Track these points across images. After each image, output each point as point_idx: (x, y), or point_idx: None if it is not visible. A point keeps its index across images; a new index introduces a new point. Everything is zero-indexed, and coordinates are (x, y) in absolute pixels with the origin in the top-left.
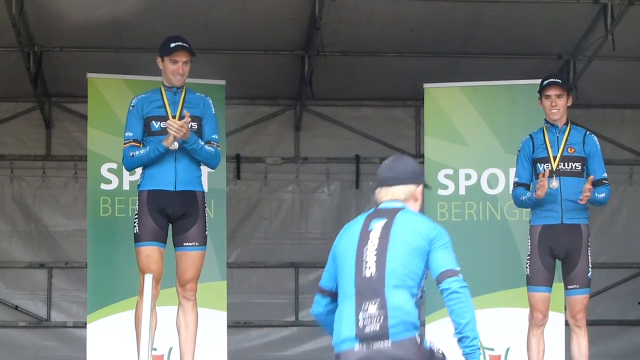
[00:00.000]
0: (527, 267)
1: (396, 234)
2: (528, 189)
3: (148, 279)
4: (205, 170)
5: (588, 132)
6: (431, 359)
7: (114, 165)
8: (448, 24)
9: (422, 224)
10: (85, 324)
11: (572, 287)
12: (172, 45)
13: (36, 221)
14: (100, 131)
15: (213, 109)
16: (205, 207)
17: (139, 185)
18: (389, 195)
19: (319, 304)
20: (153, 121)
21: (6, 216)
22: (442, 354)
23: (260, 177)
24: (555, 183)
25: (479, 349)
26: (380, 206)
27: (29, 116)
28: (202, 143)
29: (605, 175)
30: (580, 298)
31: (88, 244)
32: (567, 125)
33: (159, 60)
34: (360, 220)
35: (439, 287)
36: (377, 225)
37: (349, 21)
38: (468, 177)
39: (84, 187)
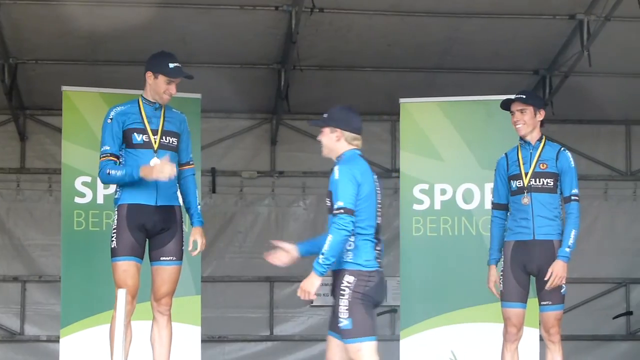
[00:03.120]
0: (500, 283)
1: None
2: (506, 210)
3: (122, 294)
4: None
5: (562, 149)
6: None
7: (88, 179)
8: (424, 38)
9: None
10: (59, 338)
11: (546, 303)
12: (172, 66)
13: (10, 234)
14: (75, 144)
15: (188, 126)
16: (182, 221)
17: (117, 199)
18: None
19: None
20: (135, 133)
21: None
22: None
23: (235, 191)
24: (526, 199)
25: None
26: None
27: (3, 129)
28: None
29: (574, 191)
30: (554, 314)
31: (62, 258)
32: (540, 142)
33: (149, 75)
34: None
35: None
36: None
37: (325, 36)
38: (443, 192)
39: (58, 200)
